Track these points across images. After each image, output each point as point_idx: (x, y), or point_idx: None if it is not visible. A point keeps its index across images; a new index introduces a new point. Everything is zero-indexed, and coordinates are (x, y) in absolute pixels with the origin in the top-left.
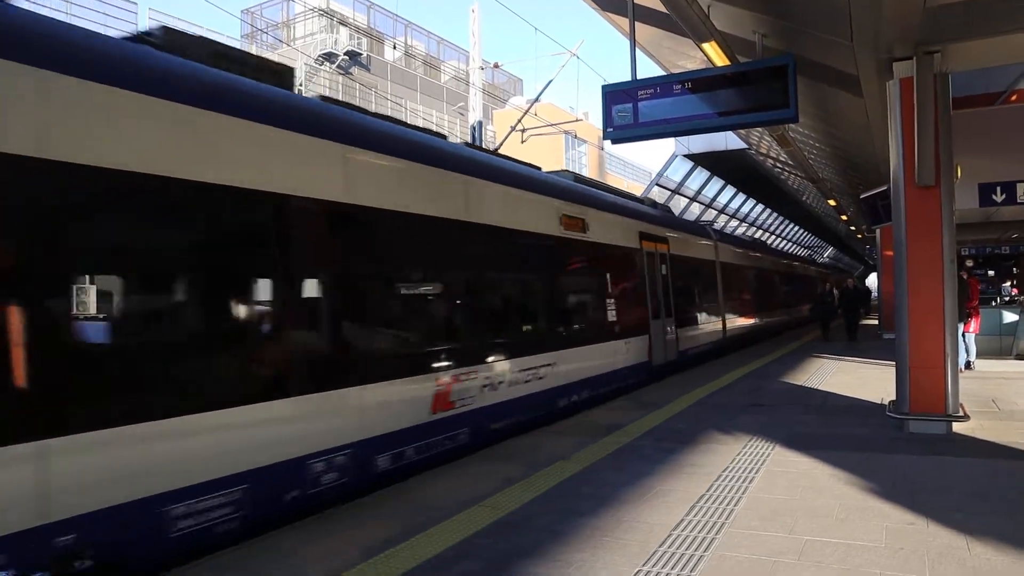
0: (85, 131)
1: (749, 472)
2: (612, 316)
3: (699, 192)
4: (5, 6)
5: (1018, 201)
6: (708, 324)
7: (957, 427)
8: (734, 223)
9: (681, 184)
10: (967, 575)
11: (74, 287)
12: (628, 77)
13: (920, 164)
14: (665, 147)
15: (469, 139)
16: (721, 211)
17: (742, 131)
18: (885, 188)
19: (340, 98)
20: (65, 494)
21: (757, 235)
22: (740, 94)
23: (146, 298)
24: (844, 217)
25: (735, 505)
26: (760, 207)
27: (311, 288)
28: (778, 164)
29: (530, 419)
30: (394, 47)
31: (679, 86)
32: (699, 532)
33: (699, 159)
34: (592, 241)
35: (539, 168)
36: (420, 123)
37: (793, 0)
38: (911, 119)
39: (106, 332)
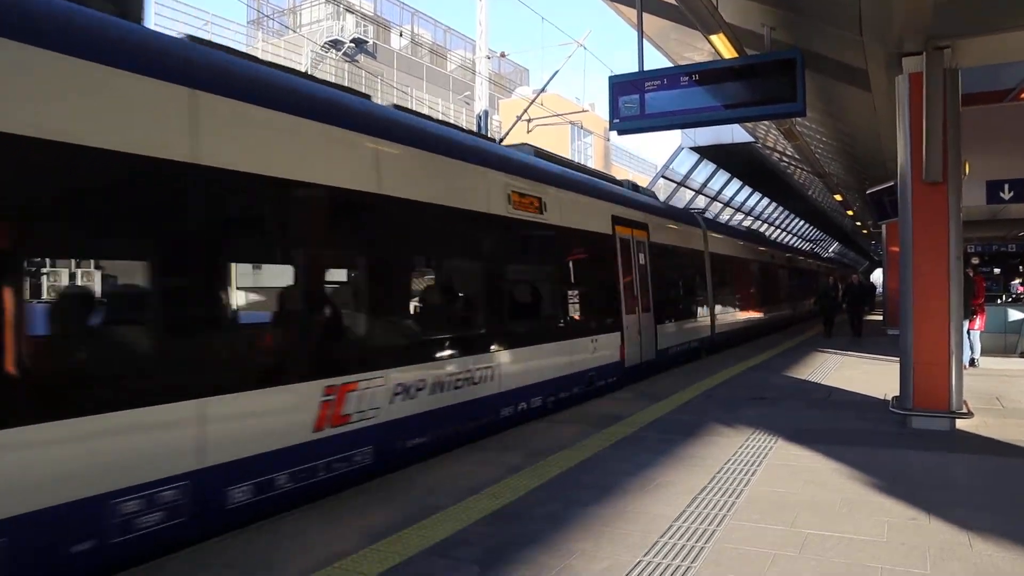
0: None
1: (751, 465)
2: (574, 310)
3: (704, 185)
4: None
5: None
6: (694, 320)
7: (961, 424)
8: (739, 216)
9: (687, 177)
10: (969, 571)
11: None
12: (635, 68)
13: (928, 160)
14: (671, 139)
15: (475, 128)
16: (726, 204)
17: (749, 124)
18: (892, 184)
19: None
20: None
21: (762, 229)
22: (747, 87)
23: None
24: (850, 212)
25: (737, 498)
26: (766, 201)
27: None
28: (784, 158)
29: (463, 431)
30: (400, 35)
31: (686, 78)
32: (700, 524)
33: (705, 152)
34: (551, 224)
35: (494, 140)
36: (426, 111)
37: None
38: (919, 115)
39: None
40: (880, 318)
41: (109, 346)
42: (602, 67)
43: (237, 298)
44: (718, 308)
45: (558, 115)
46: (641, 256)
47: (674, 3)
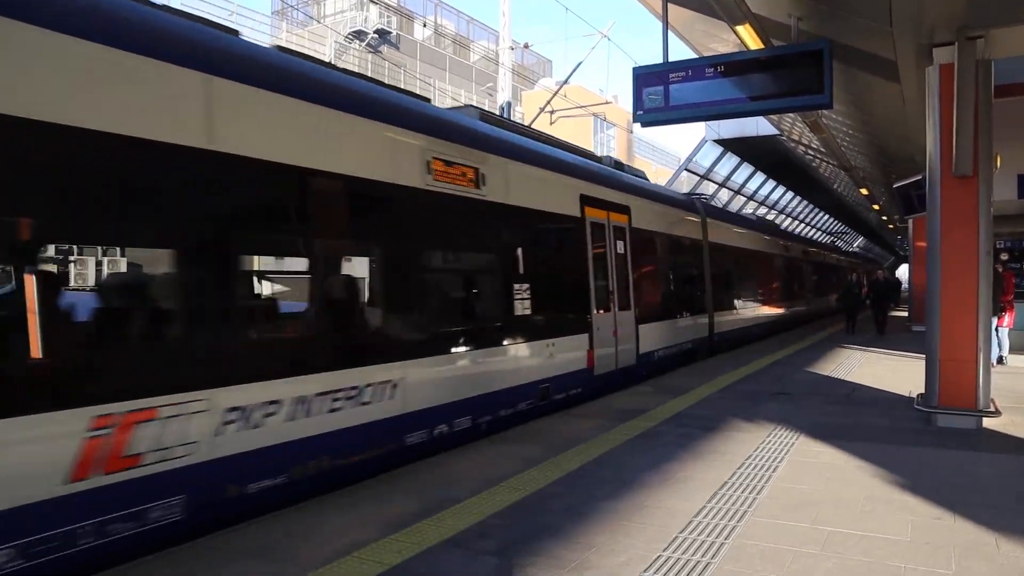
0: None
1: (773, 461)
2: (522, 307)
3: (728, 178)
4: None
5: None
6: (688, 318)
7: (988, 422)
8: (762, 210)
9: (710, 169)
10: (995, 572)
11: None
12: (659, 60)
13: (958, 153)
14: (695, 132)
15: None
16: (750, 198)
17: (774, 117)
18: (920, 177)
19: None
20: None
21: (785, 223)
22: (773, 79)
23: None
24: (876, 207)
25: (758, 494)
26: (790, 194)
27: None
28: (810, 151)
29: (342, 467)
30: (424, 26)
31: (711, 69)
32: (721, 519)
33: (729, 144)
34: (491, 201)
35: (417, 96)
36: (448, 103)
37: None
38: (950, 107)
39: None
40: (905, 314)
41: None
42: (626, 58)
43: None
44: (719, 305)
45: (581, 107)
46: (620, 244)
47: None
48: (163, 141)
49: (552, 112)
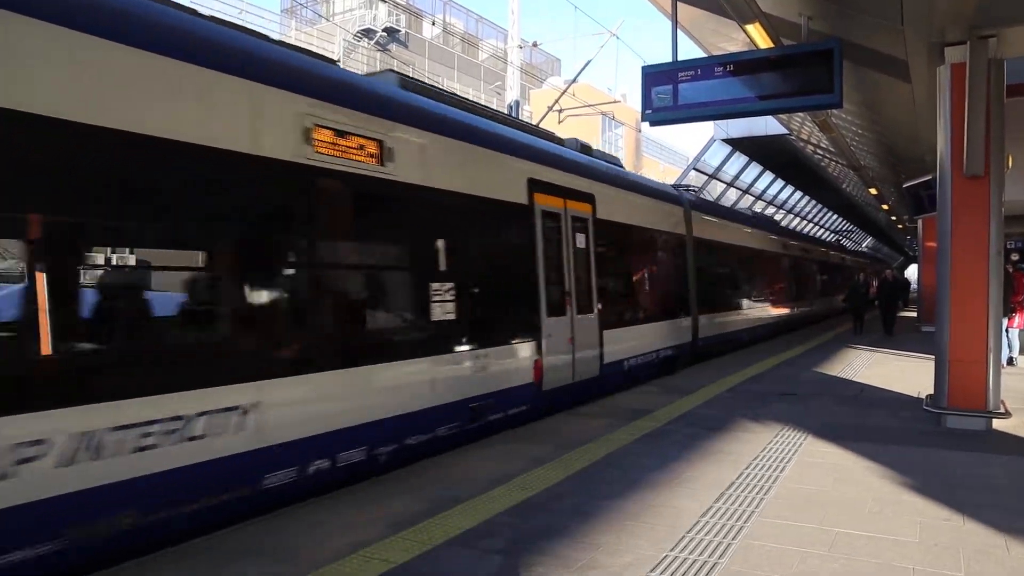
0: None
1: (780, 461)
2: (443, 310)
3: (736, 177)
4: None
5: None
6: (666, 322)
7: (997, 424)
8: (770, 209)
9: (719, 169)
10: (1005, 575)
11: None
12: (668, 59)
13: (969, 153)
14: (703, 131)
15: None
16: (758, 197)
17: (783, 116)
18: (930, 177)
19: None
20: None
21: (793, 223)
22: (783, 78)
23: None
24: (885, 206)
25: (765, 494)
26: (799, 194)
27: None
28: (819, 151)
29: (160, 521)
30: (432, 24)
31: (721, 68)
32: (728, 520)
33: (738, 144)
34: (399, 181)
35: (326, 60)
36: None
37: None
38: (961, 106)
39: None
40: (914, 314)
41: None
42: (635, 57)
43: None
44: (705, 306)
45: (590, 105)
46: (581, 237)
47: None
48: None
49: (560, 111)
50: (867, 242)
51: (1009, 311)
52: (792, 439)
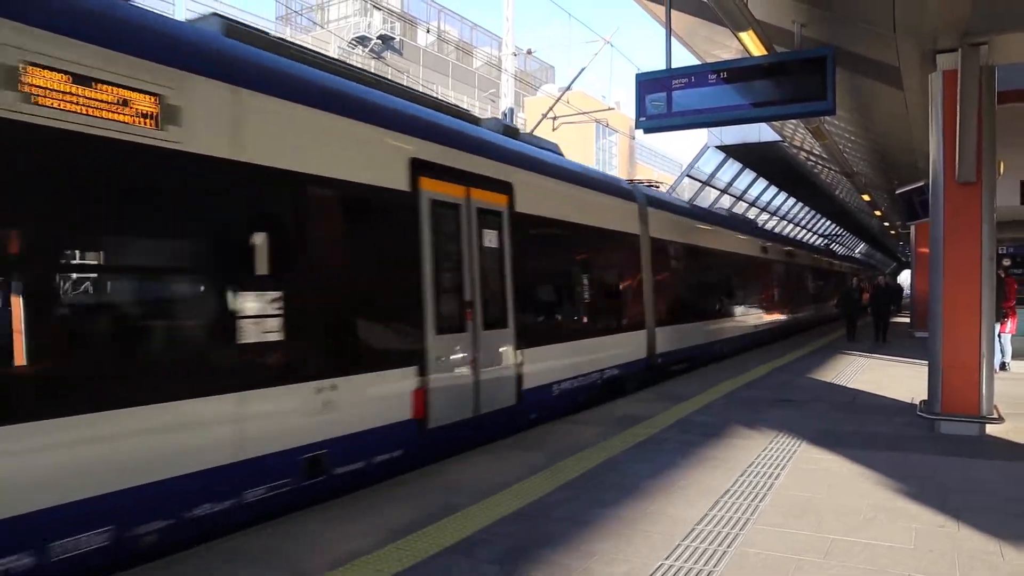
0: None
1: (775, 468)
2: (260, 329)
3: (730, 184)
4: None
5: None
6: (613, 336)
7: (991, 429)
8: (763, 216)
9: (712, 176)
10: None
11: None
12: (662, 66)
13: (961, 160)
14: (697, 138)
15: None
16: (752, 204)
17: (776, 123)
18: (922, 184)
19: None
20: None
21: (787, 230)
22: (777, 85)
23: None
24: (878, 213)
25: (760, 501)
26: (792, 201)
27: None
28: (812, 157)
29: None
30: (427, 32)
31: (714, 76)
32: (723, 527)
33: (731, 150)
34: (185, 152)
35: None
36: None
37: None
38: (953, 113)
39: None
40: (907, 320)
41: None
42: (629, 65)
43: None
44: (665, 318)
45: (583, 113)
46: (492, 234)
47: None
48: None
49: (555, 118)
50: (860, 248)
51: (1002, 316)
52: (787, 446)
